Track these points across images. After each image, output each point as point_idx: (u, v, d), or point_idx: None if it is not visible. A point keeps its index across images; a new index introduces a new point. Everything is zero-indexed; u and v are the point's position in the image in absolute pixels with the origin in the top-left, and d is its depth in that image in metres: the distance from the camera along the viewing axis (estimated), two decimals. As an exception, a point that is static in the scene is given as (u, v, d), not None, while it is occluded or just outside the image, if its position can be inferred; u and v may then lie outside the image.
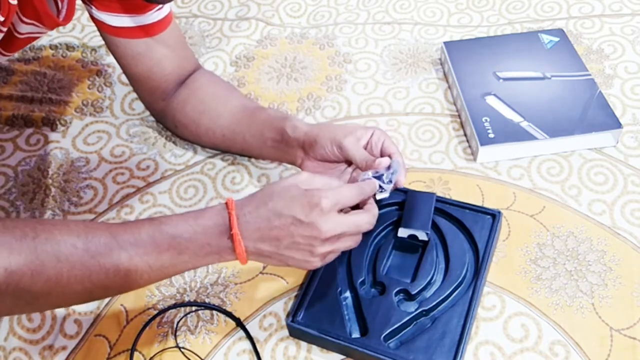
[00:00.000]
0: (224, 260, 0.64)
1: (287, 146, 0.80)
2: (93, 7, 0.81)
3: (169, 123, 0.93)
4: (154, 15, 0.83)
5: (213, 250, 0.63)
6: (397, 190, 0.80)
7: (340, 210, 0.64)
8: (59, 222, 0.60)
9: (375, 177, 0.70)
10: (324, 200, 0.62)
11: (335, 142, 0.75)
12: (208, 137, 0.90)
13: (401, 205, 0.79)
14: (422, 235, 0.76)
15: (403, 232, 0.76)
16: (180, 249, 0.62)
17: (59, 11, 0.75)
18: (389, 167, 0.72)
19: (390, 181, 0.71)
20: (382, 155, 0.74)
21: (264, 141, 0.82)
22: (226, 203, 0.63)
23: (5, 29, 0.68)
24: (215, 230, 0.62)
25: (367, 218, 0.65)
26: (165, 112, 0.92)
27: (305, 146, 0.78)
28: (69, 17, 0.76)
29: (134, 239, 0.61)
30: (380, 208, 0.72)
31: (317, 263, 0.64)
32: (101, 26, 0.83)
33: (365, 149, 0.75)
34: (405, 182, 0.73)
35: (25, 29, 0.73)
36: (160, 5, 0.82)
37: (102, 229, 0.61)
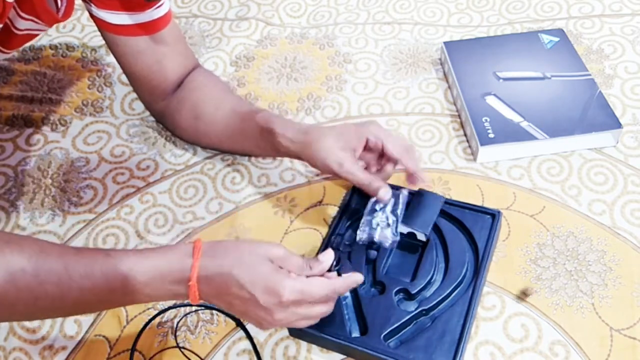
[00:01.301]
0: (175, 299, 0.67)
1: (283, 155, 0.82)
2: (92, 5, 0.81)
3: (169, 124, 0.93)
4: (154, 12, 0.83)
5: (166, 294, 0.62)
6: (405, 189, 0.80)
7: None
8: (15, 239, 0.59)
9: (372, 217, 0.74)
10: (287, 293, 0.60)
11: (328, 168, 0.75)
12: (206, 141, 0.91)
13: (407, 203, 0.79)
14: (420, 236, 0.75)
15: (403, 229, 0.76)
16: (134, 290, 0.61)
17: (58, 8, 0.75)
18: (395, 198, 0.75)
19: (392, 225, 0.74)
20: (387, 159, 0.76)
21: (261, 148, 0.83)
22: (193, 248, 0.62)
23: (1, 25, 0.67)
24: (173, 276, 0.61)
25: (324, 309, 0.64)
26: (164, 114, 0.92)
27: (298, 158, 0.79)
28: (67, 14, 0.76)
29: (85, 272, 0.59)
30: None
31: (270, 327, 0.64)
32: (101, 24, 0.83)
33: (367, 149, 0.76)
34: (426, 179, 0.76)
35: (23, 25, 0.73)
36: (159, 3, 0.82)
37: (55, 255, 0.59)
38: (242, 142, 0.85)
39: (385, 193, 0.74)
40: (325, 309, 0.65)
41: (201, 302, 0.63)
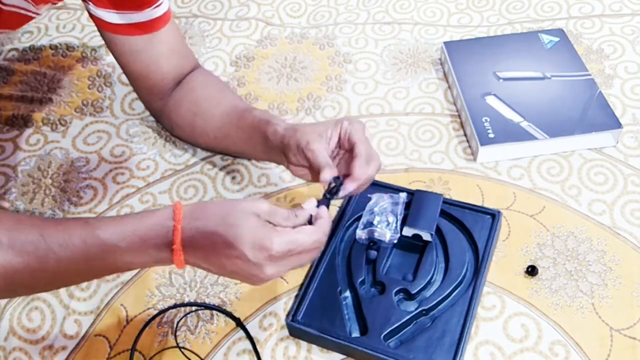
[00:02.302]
0: (159, 265, 0.62)
1: (273, 150, 0.77)
2: (90, 4, 0.81)
3: (167, 124, 0.93)
4: (152, 12, 0.82)
5: (149, 260, 0.61)
6: (404, 191, 0.80)
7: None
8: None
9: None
10: (276, 246, 0.58)
11: (300, 148, 0.71)
12: (202, 139, 0.90)
13: (407, 204, 0.79)
14: (426, 236, 0.76)
15: (408, 231, 0.76)
16: (115, 258, 0.59)
17: None
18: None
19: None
20: (349, 145, 0.72)
21: (253, 145, 0.81)
22: (173, 211, 0.60)
23: None
24: (155, 241, 0.59)
25: (314, 255, 0.63)
26: (162, 113, 0.92)
27: (285, 152, 0.75)
28: None
29: (63, 240, 0.58)
30: None
31: (261, 283, 0.62)
32: (99, 23, 0.83)
33: (340, 144, 0.73)
34: (371, 175, 0.71)
35: (9, 0, 0.72)
36: (157, 3, 0.82)
37: (31, 225, 0.58)
38: (235, 137, 0.84)
39: (327, 174, 0.69)
40: (315, 254, 0.63)
41: (188, 267, 0.62)
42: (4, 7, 0.73)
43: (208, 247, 0.59)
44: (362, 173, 0.69)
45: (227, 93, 0.89)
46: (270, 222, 0.60)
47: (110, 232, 0.59)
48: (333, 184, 0.68)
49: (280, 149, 0.75)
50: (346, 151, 0.73)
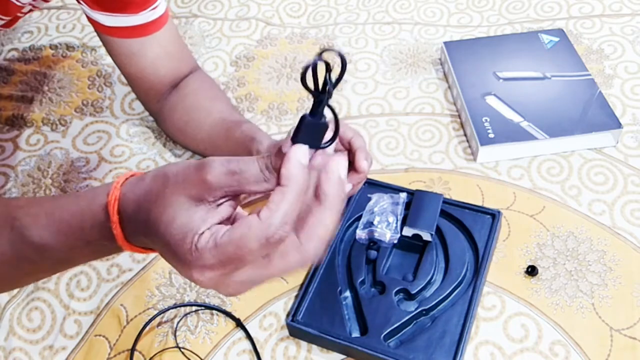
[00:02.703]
0: (105, 251, 0.52)
1: None
2: (85, 7, 0.80)
3: (162, 126, 0.94)
4: (148, 15, 0.82)
5: (91, 250, 0.52)
6: (404, 191, 0.81)
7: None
8: None
9: None
10: (205, 254, 0.42)
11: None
12: (193, 147, 0.91)
13: (407, 204, 0.79)
14: (426, 236, 0.76)
15: (408, 231, 0.76)
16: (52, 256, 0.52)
17: None
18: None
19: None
20: (341, 142, 0.68)
21: (237, 154, 0.80)
22: (112, 185, 0.49)
23: None
24: (92, 223, 0.49)
25: (293, 262, 0.43)
26: (158, 116, 0.92)
27: None
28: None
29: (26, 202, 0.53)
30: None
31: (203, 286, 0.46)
32: (95, 25, 0.83)
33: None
34: (368, 169, 0.68)
35: None
36: (153, 5, 0.82)
37: None
38: (223, 149, 0.83)
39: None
40: (295, 261, 0.43)
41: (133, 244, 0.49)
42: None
43: (142, 224, 0.46)
44: (365, 166, 0.68)
45: (218, 102, 0.88)
46: (216, 197, 0.44)
47: (40, 230, 0.51)
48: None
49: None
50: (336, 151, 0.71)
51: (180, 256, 0.44)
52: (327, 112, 0.43)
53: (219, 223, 0.44)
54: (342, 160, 0.43)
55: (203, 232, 0.43)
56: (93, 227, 0.49)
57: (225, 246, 0.42)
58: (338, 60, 0.42)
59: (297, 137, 0.42)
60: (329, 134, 0.43)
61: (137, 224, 0.47)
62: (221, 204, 0.45)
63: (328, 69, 0.43)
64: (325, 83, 0.42)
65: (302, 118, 0.42)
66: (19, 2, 0.76)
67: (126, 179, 0.49)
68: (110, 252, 0.53)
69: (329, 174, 0.43)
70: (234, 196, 0.46)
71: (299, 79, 0.42)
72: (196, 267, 0.43)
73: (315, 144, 0.43)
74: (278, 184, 0.42)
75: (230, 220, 0.46)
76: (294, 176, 0.42)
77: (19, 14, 0.80)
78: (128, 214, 0.47)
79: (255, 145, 0.75)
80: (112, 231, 0.48)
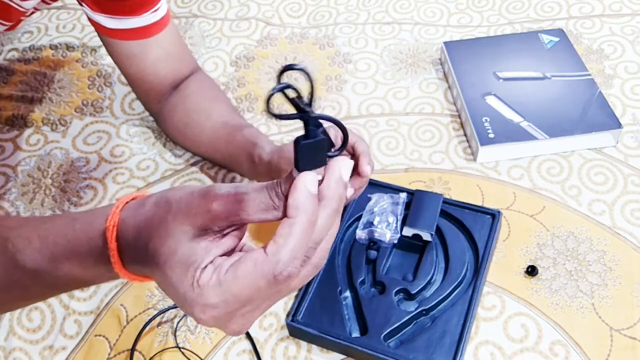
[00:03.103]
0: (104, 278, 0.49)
1: (259, 173, 0.76)
2: (87, 8, 0.80)
3: (162, 127, 0.94)
4: (149, 17, 0.82)
5: (91, 274, 0.48)
6: (404, 191, 0.81)
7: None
8: None
9: None
10: (209, 297, 0.40)
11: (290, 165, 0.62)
12: (194, 149, 0.91)
13: (407, 204, 0.79)
14: (426, 236, 0.76)
15: (408, 231, 0.76)
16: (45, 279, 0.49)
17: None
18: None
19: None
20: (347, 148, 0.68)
21: (239, 164, 0.81)
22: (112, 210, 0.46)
23: None
24: (88, 249, 0.47)
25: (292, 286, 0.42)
26: (159, 117, 0.92)
27: (272, 176, 0.71)
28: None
29: (17, 223, 0.51)
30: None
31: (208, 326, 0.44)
32: (96, 27, 0.83)
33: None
34: (370, 170, 0.68)
35: None
36: (155, 8, 0.82)
37: None
38: (223, 153, 0.84)
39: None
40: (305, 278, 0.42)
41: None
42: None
43: (141, 252, 0.44)
44: (368, 170, 0.68)
45: (218, 104, 0.88)
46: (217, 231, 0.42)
47: (34, 254, 0.48)
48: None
49: (268, 173, 0.73)
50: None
51: (181, 292, 0.41)
52: (326, 123, 0.41)
53: (223, 254, 0.42)
54: (345, 162, 0.41)
55: (206, 267, 0.40)
56: (90, 253, 0.47)
57: (229, 284, 0.39)
58: (304, 76, 0.41)
59: (300, 163, 0.39)
60: (337, 142, 0.41)
61: (136, 252, 0.44)
62: (226, 234, 0.42)
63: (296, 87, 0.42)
64: (297, 104, 0.41)
65: (296, 143, 0.40)
66: (22, 7, 0.76)
67: (126, 202, 0.46)
68: (106, 279, 0.49)
69: (329, 175, 0.41)
70: (240, 225, 0.43)
71: (267, 111, 0.42)
72: (198, 305, 0.40)
73: (321, 162, 0.40)
74: (285, 215, 0.40)
75: (235, 251, 0.44)
76: (302, 206, 0.39)
77: (22, 18, 0.80)
78: (127, 241, 0.45)
79: (258, 150, 0.75)
80: (109, 258, 0.45)
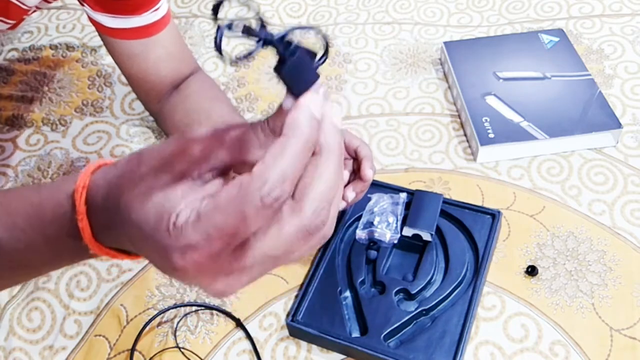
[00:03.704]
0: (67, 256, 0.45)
1: None
2: (87, 7, 0.80)
3: (162, 127, 0.93)
4: (150, 16, 0.82)
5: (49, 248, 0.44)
6: (404, 191, 0.81)
7: None
8: None
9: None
10: (184, 209, 0.35)
11: None
12: None
13: (407, 204, 0.79)
14: (426, 236, 0.75)
15: (408, 231, 0.76)
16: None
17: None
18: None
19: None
20: (348, 151, 0.70)
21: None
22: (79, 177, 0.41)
23: None
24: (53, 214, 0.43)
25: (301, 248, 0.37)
26: (159, 117, 0.92)
27: None
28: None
29: None
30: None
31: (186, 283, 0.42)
32: (97, 26, 0.83)
33: None
34: (372, 175, 0.70)
35: None
36: (155, 7, 0.82)
37: None
38: None
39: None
40: (313, 241, 0.37)
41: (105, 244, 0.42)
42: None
43: (112, 213, 0.39)
44: (370, 175, 0.68)
45: (218, 104, 0.88)
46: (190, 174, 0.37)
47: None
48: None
49: None
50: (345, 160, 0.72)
51: (156, 242, 0.35)
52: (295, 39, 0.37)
53: None
54: (335, 109, 0.38)
55: (182, 210, 0.35)
56: (54, 219, 0.41)
57: (211, 214, 0.33)
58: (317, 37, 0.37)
59: (293, 88, 0.36)
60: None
61: (107, 214, 0.39)
62: (207, 181, 0.37)
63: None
64: (252, 32, 0.36)
65: (278, 72, 0.36)
66: (25, 5, 0.76)
67: (99, 166, 0.41)
68: (75, 256, 0.44)
69: (323, 122, 0.36)
70: (223, 171, 0.38)
71: (215, 49, 0.36)
72: (176, 249, 0.34)
73: (313, 77, 0.37)
74: (278, 135, 0.35)
75: None
76: (300, 125, 0.35)
77: (24, 17, 0.80)
78: (97, 204, 0.39)
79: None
80: (77, 225, 0.40)
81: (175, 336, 0.74)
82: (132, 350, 0.73)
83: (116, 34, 0.82)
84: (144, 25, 0.82)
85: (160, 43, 0.85)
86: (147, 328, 0.74)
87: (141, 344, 0.73)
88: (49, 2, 0.82)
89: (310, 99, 0.36)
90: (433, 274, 0.74)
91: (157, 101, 0.90)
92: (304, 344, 0.73)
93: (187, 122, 0.87)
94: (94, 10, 0.80)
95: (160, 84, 0.88)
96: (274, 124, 0.37)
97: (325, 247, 0.78)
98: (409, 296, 0.73)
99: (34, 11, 0.82)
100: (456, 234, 0.78)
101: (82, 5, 0.81)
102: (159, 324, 0.75)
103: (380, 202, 0.77)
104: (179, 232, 0.34)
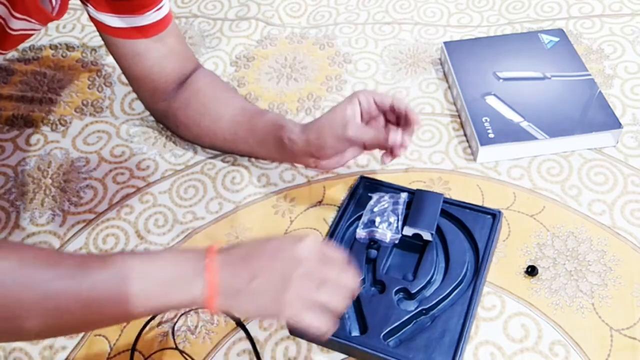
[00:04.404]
0: (193, 300, 0.57)
1: (292, 154, 0.80)
2: (91, 7, 0.81)
3: (171, 123, 0.93)
4: (153, 16, 0.83)
5: (184, 285, 0.57)
6: (405, 190, 0.81)
7: None
8: (19, 244, 0.57)
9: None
10: (309, 241, 0.60)
11: (340, 139, 0.74)
12: (209, 138, 0.90)
13: (407, 204, 0.79)
14: (426, 235, 0.76)
15: (408, 231, 0.76)
16: (155, 277, 0.56)
17: (52, 7, 0.75)
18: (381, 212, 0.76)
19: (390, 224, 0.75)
20: (381, 111, 0.75)
21: (267, 148, 0.83)
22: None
23: None
24: (191, 258, 0.58)
25: (347, 282, 0.61)
26: (166, 113, 0.92)
27: (312, 153, 0.77)
28: (62, 12, 0.76)
29: (106, 263, 0.56)
30: None
31: (291, 306, 0.57)
32: (100, 26, 0.83)
33: (363, 119, 0.75)
34: (418, 120, 0.73)
35: (17, 24, 0.72)
36: (158, 6, 0.82)
37: (69, 255, 0.59)
38: (246, 139, 0.85)
39: (395, 135, 0.72)
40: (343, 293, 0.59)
41: (220, 298, 0.56)
42: (12, 32, 0.74)
43: (239, 261, 0.58)
44: (417, 117, 0.72)
45: (233, 94, 0.90)
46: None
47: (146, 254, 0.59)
48: None
49: (305, 153, 0.78)
50: (372, 118, 0.76)
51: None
52: None
53: None
54: None
55: None
56: (183, 252, 0.60)
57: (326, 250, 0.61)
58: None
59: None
60: None
61: (238, 251, 0.59)
62: None
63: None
64: None
65: None
66: (35, 30, 0.77)
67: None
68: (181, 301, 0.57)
69: None
70: None
71: None
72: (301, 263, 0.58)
73: None
74: None
75: None
76: None
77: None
78: (226, 249, 0.59)
79: (287, 133, 0.78)
80: (203, 253, 0.58)
81: (174, 337, 0.74)
82: (132, 349, 0.73)
83: (120, 34, 0.83)
84: (148, 24, 0.83)
85: (163, 41, 0.85)
86: (147, 328, 0.74)
87: (141, 343, 0.73)
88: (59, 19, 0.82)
89: None
90: (433, 274, 0.74)
91: (162, 100, 0.90)
92: (304, 344, 0.73)
93: (203, 112, 0.87)
94: (97, 10, 0.80)
95: (164, 83, 0.88)
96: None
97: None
98: (409, 295, 0.73)
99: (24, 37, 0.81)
100: (456, 233, 0.78)
101: (85, 5, 0.81)
102: (159, 324, 0.75)
103: (381, 202, 0.77)
104: (308, 254, 0.59)
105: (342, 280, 0.60)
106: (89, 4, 0.80)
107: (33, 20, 0.73)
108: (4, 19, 0.71)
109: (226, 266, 0.57)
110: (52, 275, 0.54)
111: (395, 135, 0.71)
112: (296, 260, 0.57)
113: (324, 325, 0.58)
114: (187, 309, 0.75)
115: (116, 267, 0.55)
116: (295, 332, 0.72)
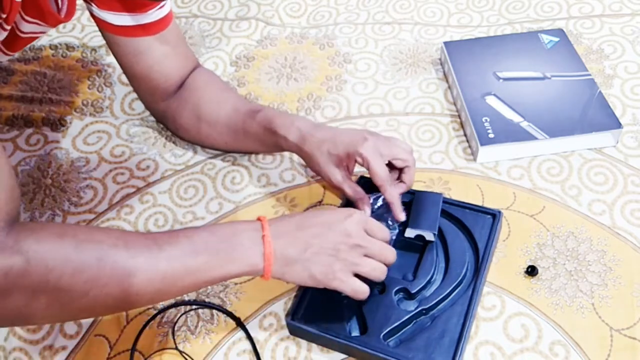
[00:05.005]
0: (251, 269, 0.64)
1: (287, 151, 0.83)
2: (94, 5, 0.81)
3: (170, 125, 0.93)
4: (155, 14, 0.83)
5: (243, 255, 0.63)
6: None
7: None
8: (96, 227, 0.62)
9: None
10: (356, 215, 0.67)
11: (322, 177, 0.80)
12: (210, 142, 0.91)
13: (406, 204, 0.79)
14: (429, 236, 0.75)
15: (410, 233, 0.76)
16: (217, 249, 0.62)
17: (59, 8, 0.75)
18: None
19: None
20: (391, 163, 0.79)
21: (266, 146, 0.84)
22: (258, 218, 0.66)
23: (8, 28, 0.67)
24: (247, 230, 0.64)
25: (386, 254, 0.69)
26: (166, 114, 0.92)
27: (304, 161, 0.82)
28: (70, 14, 0.76)
29: (172, 239, 0.61)
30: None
31: (340, 273, 0.65)
32: (102, 25, 0.83)
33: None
34: (401, 217, 0.77)
35: (28, 27, 0.73)
36: (161, 4, 0.82)
37: (139, 233, 0.63)
38: (245, 140, 0.86)
39: (363, 206, 0.77)
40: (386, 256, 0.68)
41: (275, 266, 0.64)
42: (22, 35, 0.74)
43: (291, 229, 0.65)
44: (391, 195, 0.76)
45: (228, 93, 0.90)
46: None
47: (210, 227, 0.65)
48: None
49: (297, 153, 0.82)
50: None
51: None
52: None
53: None
54: None
55: None
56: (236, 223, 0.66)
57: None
58: None
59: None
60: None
61: (288, 223, 0.66)
62: None
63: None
64: None
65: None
66: (44, 32, 0.78)
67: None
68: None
69: None
70: None
71: None
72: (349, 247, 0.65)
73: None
74: None
75: None
76: None
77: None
78: (278, 220, 0.66)
79: (280, 141, 0.80)
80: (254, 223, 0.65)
81: (174, 338, 0.74)
82: (132, 350, 0.73)
83: (122, 32, 0.83)
84: (151, 22, 0.83)
85: (165, 40, 0.85)
86: (147, 328, 0.74)
87: (141, 344, 0.73)
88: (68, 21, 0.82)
89: None
90: (433, 274, 0.74)
91: (162, 99, 0.90)
92: (304, 344, 0.73)
93: (199, 114, 0.88)
94: (100, 8, 0.81)
95: (165, 82, 0.88)
96: None
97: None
98: (409, 295, 0.73)
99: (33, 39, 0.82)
100: (456, 233, 0.78)
101: (89, 3, 0.81)
102: (159, 324, 0.75)
103: (380, 202, 0.77)
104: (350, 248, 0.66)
105: (383, 255, 0.67)
106: (92, 3, 0.81)
107: (43, 23, 0.73)
108: (15, 22, 0.71)
109: (280, 236, 0.64)
110: (132, 253, 0.59)
111: (392, 192, 0.76)
112: (346, 233, 0.65)
113: (363, 291, 0.66)
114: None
115: (184, 242, 0.61)
116: (296, 332, 0.72)
